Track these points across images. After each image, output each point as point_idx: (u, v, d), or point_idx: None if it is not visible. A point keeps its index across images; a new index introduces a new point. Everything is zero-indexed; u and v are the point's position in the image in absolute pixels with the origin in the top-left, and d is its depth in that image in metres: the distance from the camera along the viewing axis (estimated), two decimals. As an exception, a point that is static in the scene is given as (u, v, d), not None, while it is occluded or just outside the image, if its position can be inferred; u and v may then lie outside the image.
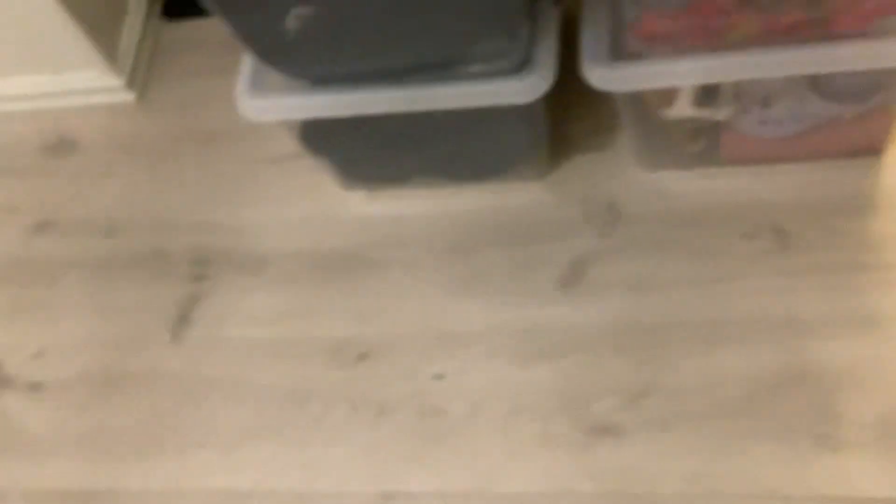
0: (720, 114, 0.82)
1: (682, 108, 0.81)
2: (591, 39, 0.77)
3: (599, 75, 0.76)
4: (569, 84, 0.78)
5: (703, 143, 0.87)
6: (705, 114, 0.82)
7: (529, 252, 0.91)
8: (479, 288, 0.90)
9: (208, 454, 0.89)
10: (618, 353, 0.84)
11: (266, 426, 0.89)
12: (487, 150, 0.91)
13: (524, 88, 0.78)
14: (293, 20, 0.74)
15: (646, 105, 0.83)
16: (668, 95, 0.81)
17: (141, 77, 1.14)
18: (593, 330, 0.85)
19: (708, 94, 0.80)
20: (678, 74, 0.74)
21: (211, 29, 1.04)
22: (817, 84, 0.79)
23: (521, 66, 0.78)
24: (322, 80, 0.82)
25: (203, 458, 0.89)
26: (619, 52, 0.76)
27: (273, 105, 0.83)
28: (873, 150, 0.86)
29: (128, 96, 1.13)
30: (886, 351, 0.78)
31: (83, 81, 1.11)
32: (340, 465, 0.85)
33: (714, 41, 0.73)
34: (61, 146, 1.12)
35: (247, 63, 0.85)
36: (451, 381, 0.87)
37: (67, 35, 1.05)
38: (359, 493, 0.84)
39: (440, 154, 0.92)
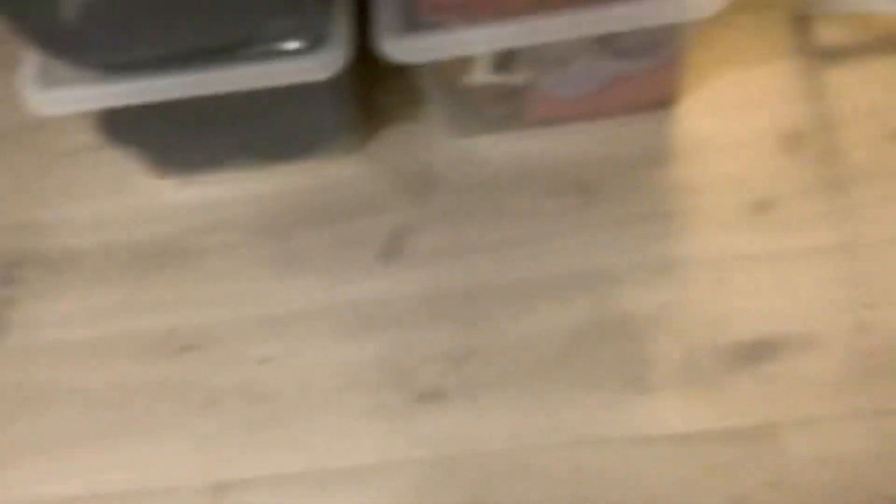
0: (519, 78, 0.84)
1: (482, 75, 0.83)
2: (384, 11, 0.77)
3: (393, 47, 0.76)
4: (377, 56, 0.78)
5: (508, 106, 0.89)
6: (505, 79, 0.83)
7: (349, 228, 0.91)
8: (300, 268, 0.90)
9: (33, 463, 0.86)
10: (440, 320, 0.85)
11: (92, 428, 0.86)
12: (296, 128, 0.90)
13: (321, 65, 0.77)
14: (70, 6, 0.71)
15: (447, 74, 0.84)
16: (467, 63, 0.82)
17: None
18: (415, 299, 0.86)
19: (505, 60, 0.82)
20: (469, 43, 0.75)
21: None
22: (607, 43, 0.82)
23: (317, 42, 0.78)
24: (113, 67, 0.80)
25: (28, 468, 0.85)
26: (413, 24, 0.77)
27: (62, 97, 0.80)
28: (666, 103, 0.89)
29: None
30: (688, 293, 0.83)
31: None
32: (171, 461, 0.84)
33: (501, 8, 0.74)
34: None
35: (32, 53, 0.81)
36: (279, 364, 0.86)
37: None
38: (191, 487, 0.82)
39: (249, 135, 0.91)
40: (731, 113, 0.88)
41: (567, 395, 0.81)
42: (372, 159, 0.94)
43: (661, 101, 0.89)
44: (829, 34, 0.89)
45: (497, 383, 0.82)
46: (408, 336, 0.85)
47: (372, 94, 0.95)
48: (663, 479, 0.77)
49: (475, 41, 0.75)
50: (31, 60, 0.81)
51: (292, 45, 0.78)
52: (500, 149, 0.91)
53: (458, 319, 0.85)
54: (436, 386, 0.83)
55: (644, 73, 0.85)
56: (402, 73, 0.84)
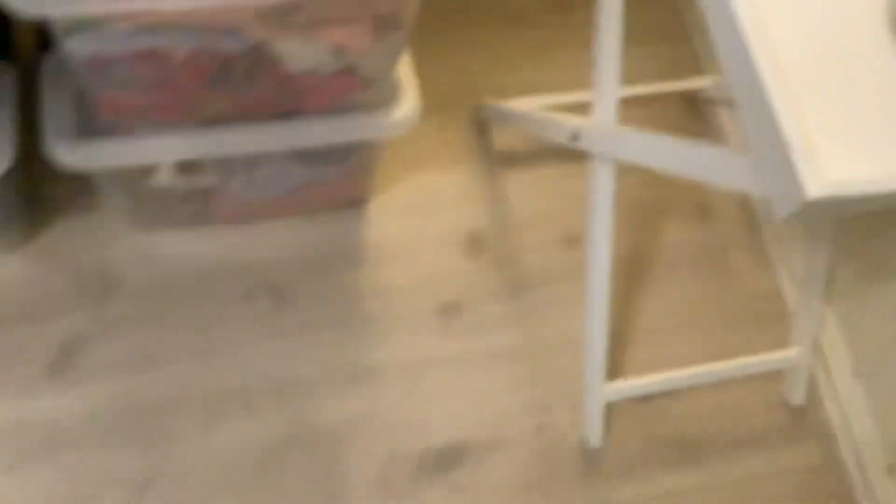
0: (205, 181, 0.80)
1: (166, 178, 0.78)
2: (55, 113, 0.70)
3: (65, 154, 0.69)
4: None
5: (195, 204, 0.85)
6: (191, 182, 0.79)
7: (11, 336, 0.81)
8: (-49, 384, 0.79)
9: None
10: (119, 441, 0.79)
11: None
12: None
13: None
14: None
15: (127, 175, 0.78)
16: (150, 166, 0.77)
17: None
18: (90, 419, 0.79)
19: (191, 164, 0.78)
20: (151, 151, 0.71)
21: None
22: (297, 152, 0.80)
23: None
24: None
25: None
26: (91, 125, 0.70)
27: None
28: (358, 202, 0.90)
29: None
30: (380, 401, 0.83)
31: None
32: None
33: (187, 116, 0.70)
34: None
35: None
36: (-77, 501, 0.75)
37: None
38: None
39: None
40: (417, 215, 0.91)
41: (259, 514, 0.78)
42: (41, 257, 0.85)
43: (354, 200, 0.89)
44: (504, 141, 0.95)
45: (184, 508, 0.77)
46: (83, 460, 0.78)
47: (42, 182, 0.86)
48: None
49: (154, 150, 0.71)
50: None
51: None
52: (186, 246, 0.87)
53: (141, 439, 0.79)
54: (115, 515, 0.76)
55: (334, 178, 0.84)
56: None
